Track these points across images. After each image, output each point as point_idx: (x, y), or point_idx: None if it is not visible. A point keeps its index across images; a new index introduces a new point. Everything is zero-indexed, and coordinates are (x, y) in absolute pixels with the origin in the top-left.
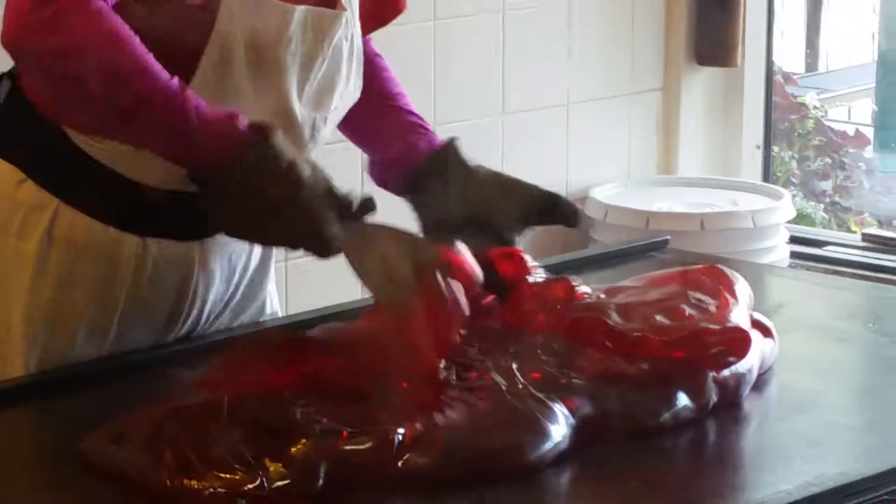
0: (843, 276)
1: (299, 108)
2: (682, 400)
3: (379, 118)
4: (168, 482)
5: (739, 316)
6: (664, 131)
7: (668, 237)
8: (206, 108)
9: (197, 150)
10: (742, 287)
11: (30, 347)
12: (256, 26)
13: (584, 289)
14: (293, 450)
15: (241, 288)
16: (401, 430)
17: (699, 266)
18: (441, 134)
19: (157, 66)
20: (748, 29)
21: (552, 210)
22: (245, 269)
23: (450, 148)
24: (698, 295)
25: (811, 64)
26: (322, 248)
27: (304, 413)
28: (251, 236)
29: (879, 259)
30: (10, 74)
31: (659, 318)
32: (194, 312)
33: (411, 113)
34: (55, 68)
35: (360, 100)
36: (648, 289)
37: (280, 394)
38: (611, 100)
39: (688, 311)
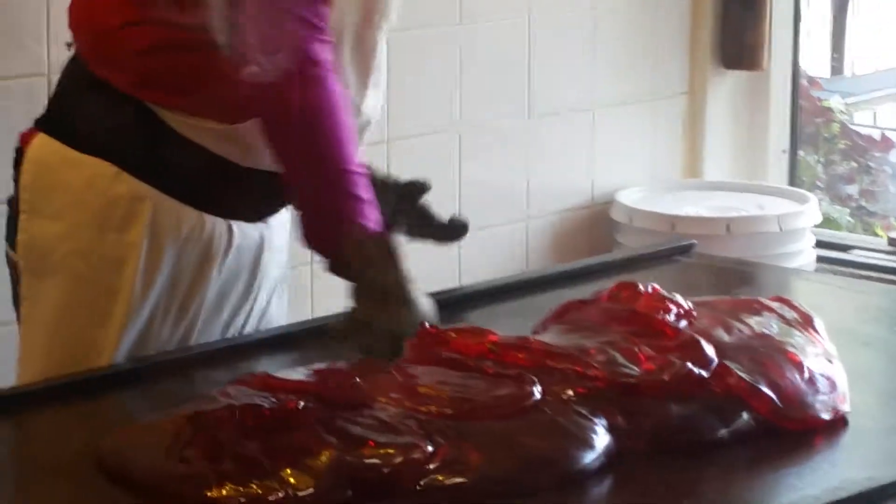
0: (869, 280)
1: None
2: (744, 417)
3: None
4: (183, 492)
5: (842, 383)
6: (690, 135)
7: (695, 241)
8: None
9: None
10: (819, 323)
11: (124, 337)
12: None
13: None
14: (319, 460)
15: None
16: (430, 447)
17: (770, 297)
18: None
19: (349, 150)
20: (774, 32)
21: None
22: (292, 246)
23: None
24: (797, 332)
25: (836, 68)
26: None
27: (323, 422)
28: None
29: None
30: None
31: (779, 360)
32: (262, 295)
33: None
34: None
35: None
36: (735, 314)
37: (296, 403)
38: (636, 104)
39: (806, 365)
